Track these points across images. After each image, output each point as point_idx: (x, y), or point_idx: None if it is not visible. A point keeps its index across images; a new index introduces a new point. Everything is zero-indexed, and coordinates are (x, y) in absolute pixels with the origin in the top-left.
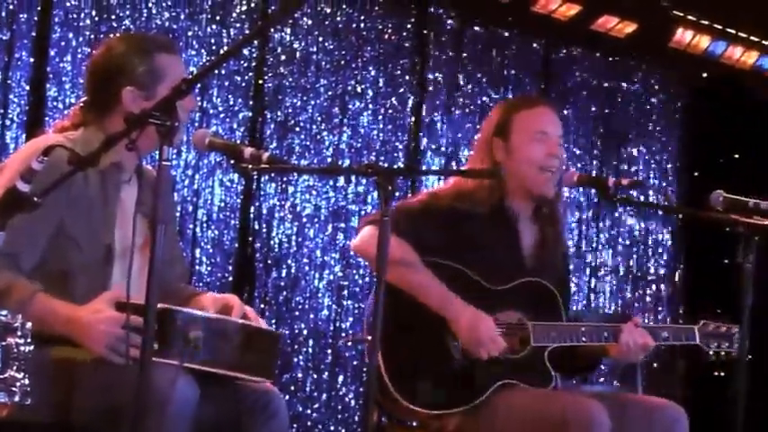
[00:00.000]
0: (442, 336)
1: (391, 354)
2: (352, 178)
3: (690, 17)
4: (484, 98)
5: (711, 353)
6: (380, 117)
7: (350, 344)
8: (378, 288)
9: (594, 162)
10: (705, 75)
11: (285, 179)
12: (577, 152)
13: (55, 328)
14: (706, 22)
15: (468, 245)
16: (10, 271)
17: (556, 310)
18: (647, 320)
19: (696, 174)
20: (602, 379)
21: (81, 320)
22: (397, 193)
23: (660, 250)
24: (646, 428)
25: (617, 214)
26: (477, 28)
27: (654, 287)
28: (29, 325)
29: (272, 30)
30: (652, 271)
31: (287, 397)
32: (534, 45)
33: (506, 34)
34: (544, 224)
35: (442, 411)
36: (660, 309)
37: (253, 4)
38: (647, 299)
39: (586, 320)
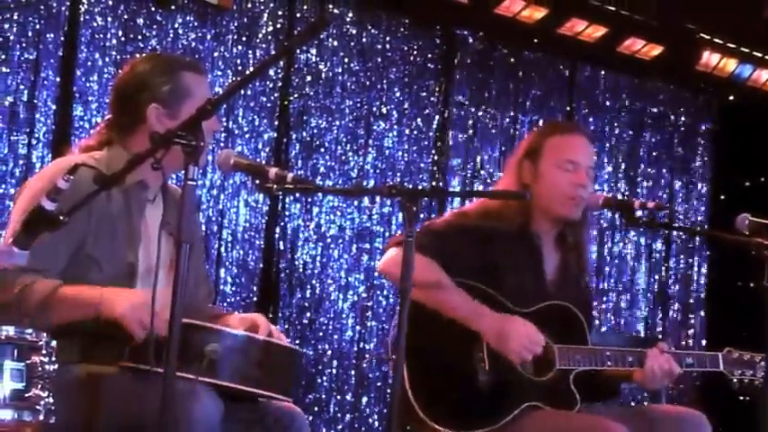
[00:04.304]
0: (468, 356)
1: (417, 374)
2: (377, 199)
3: (716, 40)
4: (509, 120)
5: (735, 380)
6: (405, 138)
7: (374, 363)
8: (402, 308)
9: (620, 184)
10: (732, 98)
11: (310, 200)
12: (602, 174)
13: (82, 311)
14: (732, 46)
15: (494, 266)
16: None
17: (581, 334)
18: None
19: (722, 197)
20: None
21: (108, 293)
22: (421, 215)
23: (686, 273)
24: None
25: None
26: (502, 49)
27: (679, 309)
28: (53, 343)
29: (298, 50)
30: (678, 293)
31: (311, 418)
32: (560, 67)
33: (532, 56)
34: (567, 250)
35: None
36: (689, 331)
37: (278, 26)
38: (673, 321)
39: (611, 343)
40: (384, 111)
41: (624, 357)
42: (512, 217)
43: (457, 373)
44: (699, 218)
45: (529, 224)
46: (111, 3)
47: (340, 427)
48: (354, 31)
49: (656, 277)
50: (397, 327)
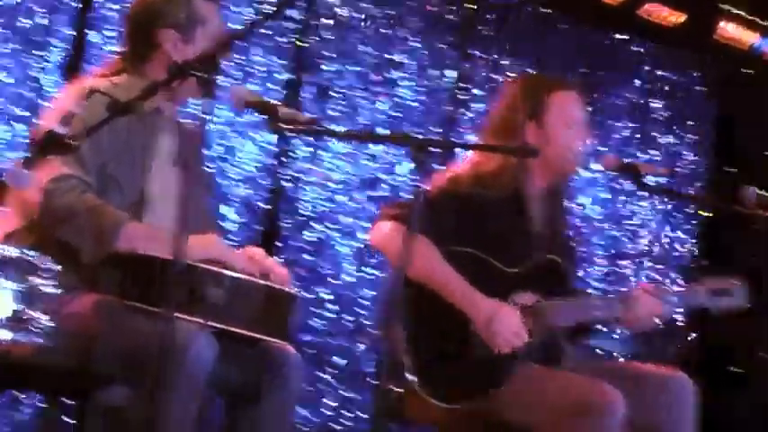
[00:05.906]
0: (464, 328)
1: (414, 348)
2: (386, 147)
3: (738, 12)
4: None
5: (714, 308)
6: (420, 89)
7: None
8: (398, 281)
9: (628, 148)
10: (747, 71)
11: (319, 143)
12: (613, 137)
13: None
14: (754, 18)
15: (485, 230)
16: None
17: (567, 286)
18: None
19: (728, 170)
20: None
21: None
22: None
23: (684, 244)
24: (655, 399)
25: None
26: (523, 6)
27: (671, 279)
28: (56, 267)
29: None
30: (671, 263)
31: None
32: (579, 27)
33: (552, 15)
34: (553, 202)
35: (466, 403)
36: None
37: None
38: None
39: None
40: (400, 60)
41: (612, 305)
42: (507, 181)
43: (453, 342)
44: (703, 188)
45: (523, 186)
46: None
47: (335, 371)
48: None
49: (651, 247)
50: (389, 296)
